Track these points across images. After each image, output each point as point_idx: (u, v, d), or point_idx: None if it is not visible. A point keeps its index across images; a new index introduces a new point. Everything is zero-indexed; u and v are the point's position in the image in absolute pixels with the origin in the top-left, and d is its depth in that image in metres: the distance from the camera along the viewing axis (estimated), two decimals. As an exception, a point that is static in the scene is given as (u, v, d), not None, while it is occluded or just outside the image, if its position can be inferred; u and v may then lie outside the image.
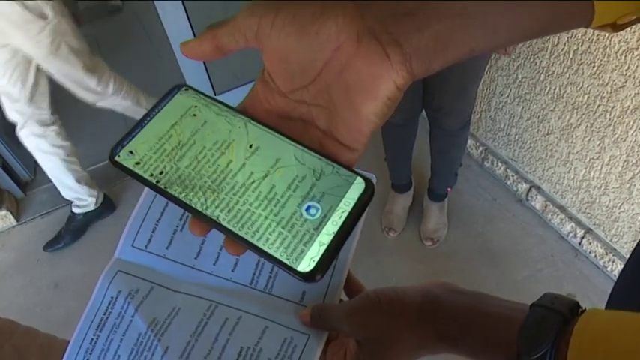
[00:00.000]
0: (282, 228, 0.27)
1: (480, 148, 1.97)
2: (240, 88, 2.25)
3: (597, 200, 1.56)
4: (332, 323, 0.40)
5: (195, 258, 0.45)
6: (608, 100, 1.36)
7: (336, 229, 0.27)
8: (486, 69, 1.46)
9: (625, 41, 1.24)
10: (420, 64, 0.26)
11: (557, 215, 1.72)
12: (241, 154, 0.29)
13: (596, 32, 1.30)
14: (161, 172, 0.29)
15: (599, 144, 1.45)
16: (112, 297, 0.43)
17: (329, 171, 0.29)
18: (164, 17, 1.93)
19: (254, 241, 0.27)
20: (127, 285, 0.43)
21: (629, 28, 1.25)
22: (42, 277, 1.92)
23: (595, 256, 1.64)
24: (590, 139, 1.48)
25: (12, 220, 2.13)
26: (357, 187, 0.28)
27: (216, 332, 0.41)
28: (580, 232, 1.66)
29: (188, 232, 0.45)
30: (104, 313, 0.42)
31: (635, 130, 1.33)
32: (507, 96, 1.73)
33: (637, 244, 0.58)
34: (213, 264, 0.45)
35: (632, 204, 1.44)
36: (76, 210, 1.99)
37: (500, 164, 1.90)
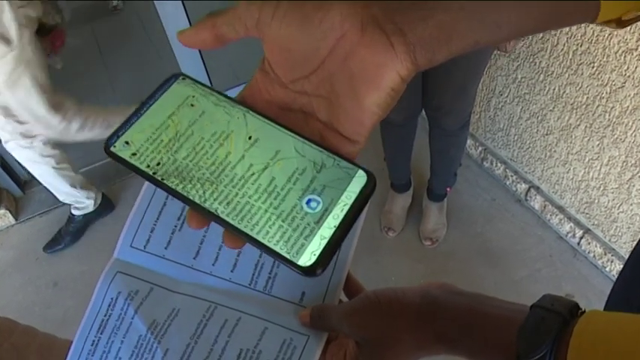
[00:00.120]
0: (283, 221, 0.27)
1: (480, 148, 1.97)
2: (240, 87, 2.24)
3: (596, 200, 1.56)
4: (331, 324, 0.39)
5: (194, 258, 0.45)
6: (607, 101, 1.36)
7: (337, 222, 0.27)
8: (486, 69, 1.46)
9: (625, 42, 1.24)
10: (424, 55, 0.26)
11: (556, 215, 1.72)
12: (240, 145, 0.29)
13: (596, 33, 1.30)
14: (158, 164, 0.29)
15: (599, 144, 1.45)
16: (111, 298, 0.43)
17: (330, 163, 0.28)
18: (164, 17, 1.92)
19: (254, 234, 0.27)
20: (127, 286, 0.43)
21: (628, 29, 1.25)
22: (41, 276, 1.92)
23: (594, 256, 1.64)
24: (589, 140, 1.48)
25: (11, 219, 2.13)
26: (359, 180, 0.28)
27: (216, 334, 0.41)
28: (579, 233, 1.66)
29: (187, 232, 0.45)
30: (105, 315, 0.42)
31: (635, 131, 1.33)
32: (507, 96, 1.73)
33: (636, 245, 0.58)
34: (213, 264, 0.44)
35: (631, 204, 1.44)
36: (75, 212, 1.98)
37: (499, 164, 1.90)
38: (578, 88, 1.43)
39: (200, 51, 2.00)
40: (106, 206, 2.05)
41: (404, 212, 1.85)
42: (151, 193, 0.46)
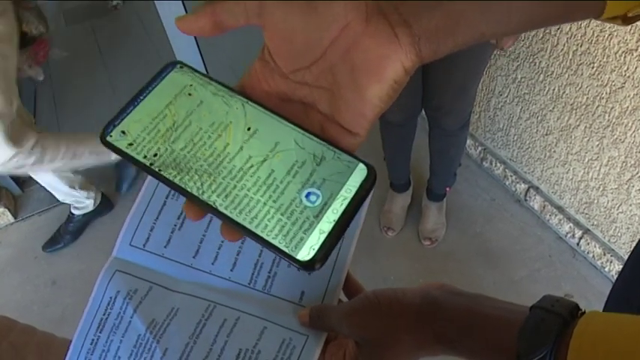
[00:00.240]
0: (282, 215, 0.26)
1: (479, 148, 1.97)
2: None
3: (596, 201, 1.56)
4: (331, 324, 0.39)
5: (194, 257, 0.44)
6: (607, 101, 1.36)
7: (336, 217, 0.26)
8: (486, 69, 1.46)
9: (624, 42, 1.24)
10: (429, 47, 0.26)
11: (556, 215, 1.72)
12: (239, 136, 0.28)
13: (596, 33, 1.29)
14: (155, 154, 0.28)
15: (598, 145, 1.45)
16: (110, 297, 0.43)
17: (330, 156, 0.28)
18: (164, 17, 1.92)
19: (252, 227, 0.26)
20: (126, 285, 0.43)
21: (628, 29, 1.25)
22: (39, 274, 1.92)
23: (593, 256, 1.64)
24: (588, 140, 1.48)
25: (9, 217, 2.12)
26: (359, 174, 0.27)
27: (215, 333, 0.41)
28: (578, 233, 1.66)
29: (186, 231, 0.45)
30: (103, 314, 0.42)
31: (634, 132, 1.33)
32: (506, 96, 1.73)
33: (636, 245, 0.58)
34: (212, 263, 0.44)
35: (631, 205, 1.44)
36: (75, 211, 1.98)
37: (498, 164, 1.90)
38: (577, 89, 1.43)
39: (200, 51, 2.00)
40: (105, 205, 2.05)
41: (403, 212, 1.85)
42: (151, 192, 0.46)
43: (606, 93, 1.35)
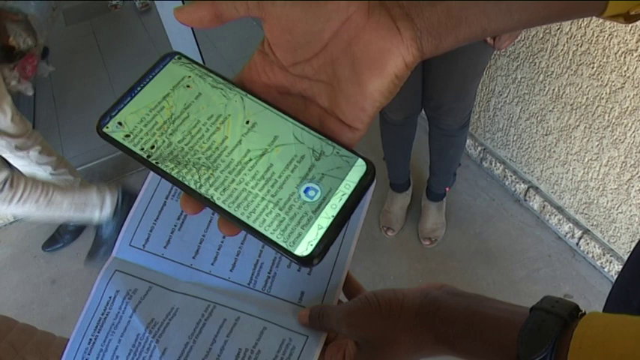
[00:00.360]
0: (280, 210, 0.26)
1: (479, 148, 1.97)
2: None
3: (595, 201, 1.56)
4: (331, 324, 0.39)
5: (194, 257, 0.44)
6: (607, 102, 1.36)
7: (335, 212, 0.26)
8: (486, 69, 1.46)
9: (624, 42, 1.24)
10: (431, 41, 0.26)
11: (555, 216, 1.72)
12: (237, 130, 0.28)
13: (596, 33, 1.29)
14: (152, 147, 0.28)
15: (598, 145, 1.45)
16: (109, 297, 0.42)
17: (329, 151, 0.28)
18: (164, 17, 1.92)
19: (250, 222, 0.26)
20: (125, 285, 0.43)
21: (628, 29, 1.25)
22: (39, 273, 1.92)
23: (592, 256, 1.64)
24: (588, 140, 1.48)
25: (9, 217, 2.12)
26: (358, 170, 0.27)
27: (215, 333, 0.41)
28: (578, 233, 1.66)
29: (186, 231, 0.45)
30: (102, 314, 0.42)
31: (634, 132, 1.33)
32: (506, 96, 1.73)
33: (635, 246, 0.58)
34: (212, 264, 0.44)
35: (630, 205, 1.44)
36: None
37: (498, 164, 1.90)
38: (577, 89, 1.43)
39: (200, 51, 2.00)
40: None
41: (403, 212, 1.85)
42: (151, 192, 0.46)
43: (606, 93, 1.35)
